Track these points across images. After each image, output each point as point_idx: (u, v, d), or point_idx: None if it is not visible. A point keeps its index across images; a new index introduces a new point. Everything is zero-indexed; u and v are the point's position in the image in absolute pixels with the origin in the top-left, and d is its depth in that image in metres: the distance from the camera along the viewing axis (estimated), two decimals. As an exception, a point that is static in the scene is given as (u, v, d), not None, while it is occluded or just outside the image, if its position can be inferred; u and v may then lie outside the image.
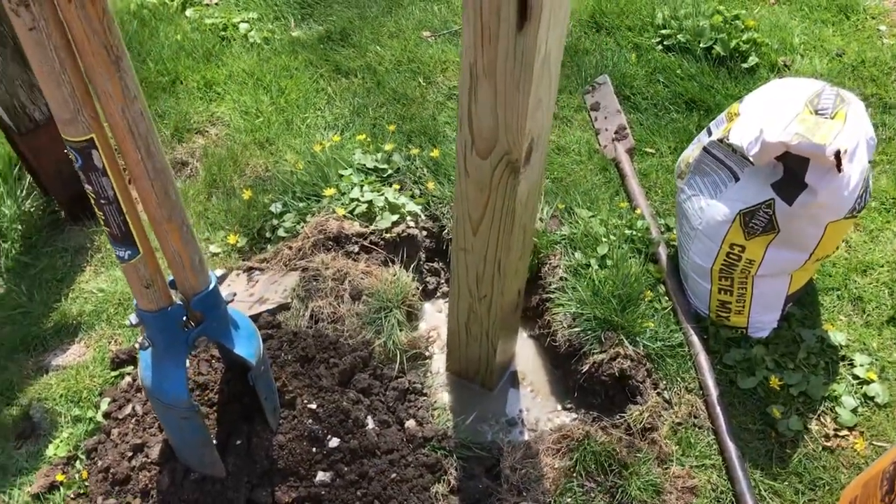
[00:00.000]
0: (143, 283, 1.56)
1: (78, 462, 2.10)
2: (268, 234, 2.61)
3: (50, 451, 2.13)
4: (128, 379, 2.24)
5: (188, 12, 3.53)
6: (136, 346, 1.70)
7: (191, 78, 3.19)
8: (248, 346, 1.82)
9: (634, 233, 2.53)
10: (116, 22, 1.22)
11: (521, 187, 1.71)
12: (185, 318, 1.69)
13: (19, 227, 2.65)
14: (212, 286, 1.69)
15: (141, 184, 1.43)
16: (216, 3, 3.60)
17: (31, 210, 2.72)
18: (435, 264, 2.68)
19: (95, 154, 1.34)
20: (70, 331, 2.42)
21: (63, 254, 2.62)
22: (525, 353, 2.51)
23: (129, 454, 2.02)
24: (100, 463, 2.05)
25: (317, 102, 3.11)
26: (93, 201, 1.43)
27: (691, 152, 2.32)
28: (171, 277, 1.66)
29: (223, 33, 3.40)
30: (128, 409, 2.14)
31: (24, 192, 2.72)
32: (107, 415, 2.16)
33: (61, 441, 2.15)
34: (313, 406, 2.07)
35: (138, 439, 2.03)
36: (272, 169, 2.82)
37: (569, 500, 2.01)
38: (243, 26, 3.42)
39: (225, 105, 3.10)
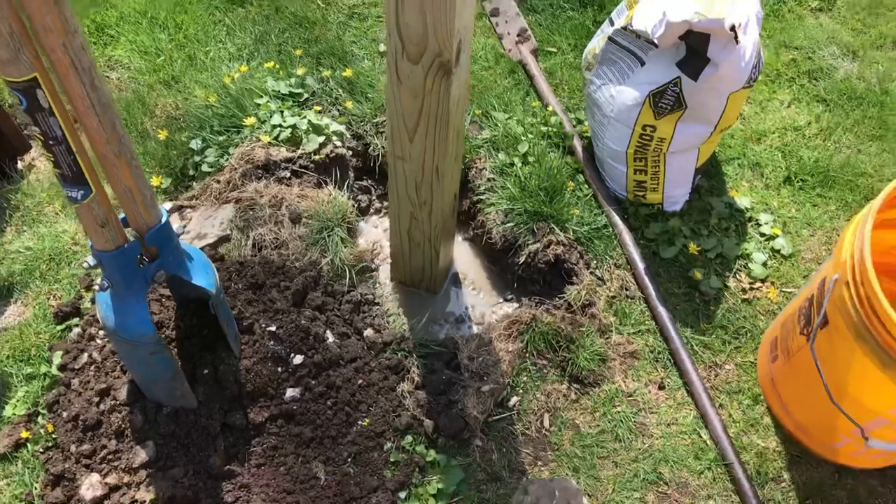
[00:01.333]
0: (98, 222, 1.56)
1: (40, 417, 2.09)
2: (191, 172, 2.60)
3: (7, 411, 2.12)
4: (77, 330, 2.23)
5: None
6: (96, 288, 1.71)
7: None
8: (205, 276, 1.86)
9: (550, 129, 2.65)
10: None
11: (453, 89, 1.78)
12: (140, 255, 1.71)
13: (-75, 196, 2.54)
14: (164, 220, 1.71)
15: (88, 121, 1.42)
16: (90, -58, 3.42)
17: (-66, 177, 2.60)
18: (364, 182, 2.74)
19: (41, 93, 1.33)
20: (3, 293, 2.37)
21: (-22, 218, 2.53)
22: (463, 255, 2.62)
23: (96, 399, 2.03)
24: (65, 414, 2.05)
25: (217, 35, 3.05)
26: (41, 143, 1.41)
27: (596, 44, 2.44)
28: (122, 215, 1.67)
29: (105, -28, 3.26)
30: (84, 358, 2.14)
31: (-77, 159, 2.59)
32: (62, 367, 2.15)
33: (18, 400, 2.13)
34: (272, 328, 2.13)
35: (103, 384, 2.05)
36: (183, 106, 2.78)
37: (525, 378, 2.17)
38: (125, -37, 3.28)
39: (121, 48, 3.00)
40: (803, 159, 2.65)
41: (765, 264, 2.41)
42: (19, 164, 2.70)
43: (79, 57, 1.32)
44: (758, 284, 2.38)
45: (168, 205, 1.84)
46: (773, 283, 2.38)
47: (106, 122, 1.44)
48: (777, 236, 2.46)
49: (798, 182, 2.61)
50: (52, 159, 1.44)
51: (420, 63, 1.73)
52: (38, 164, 2.71)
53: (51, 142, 1.40)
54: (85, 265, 1.69)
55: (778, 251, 2.44)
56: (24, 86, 1.31)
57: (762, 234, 2.48)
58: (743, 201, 2.54)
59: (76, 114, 1.42)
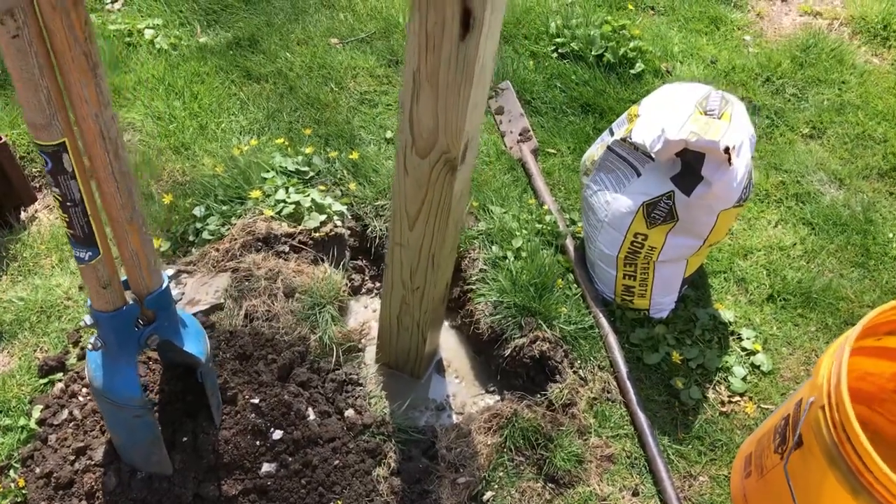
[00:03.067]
0: (102, 283, 1.60)
1: (12, 471, 2.08)
2: (191, 238, 2.64)
3: (-21, 462, 2.10)
4: (60, 385, 2.23)
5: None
6: (88, 346, 1.73)
7: (97, 83, 3.15)
8: (197, 344, 1.88)
9: (544, 227, 2.73)
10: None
11: (456, 184, 1.85)
12: (136, 318, 1.74)
13: (-75, 237, 2.57)
14: (165, 285, 1.75)
15: (106, 186, 1.48)
16: (119, 10, 3.56)
17: (-63, 220, 2.63)
18: (359, 262, 2.79)
19: (66, 157, 1.39)
20: (-10, 341, 2.38)
21: (-25, 264, 2.56)
22: (449, 343, 2.66)
23: (72, 457, 2.02)
24: (38, 469, 2.04)
25: (230, 108, 3.15)
26: (58, 204, 1.46)
27: (595, 151, 2.54)
28: (123, 277, 1.71)
29: (128, 39, 3.37)
30: (64, 415, 2.14)
31: (-72, 202, 2.63)
32: (41, 422, 2.14)
33: (-8, 452, 2.12)
34: (255, 401, 2.14)
35: (80, 442, 2.04)
36: (190, 173, 2.85)
37: (501, 473, 2.18)
38: (149, 32, 3.41)
39: (136, 111, 3.09)
40: (787, 279, 2.73)
41: (744, 379, 2.46)
42: (23, 215, 2.74)
43: (108, 127, 1.39)
44: (736, 398, 2.42)
45: (170, 270, 1.87)
46: (751, 398, 2.42)
47: (123, 189, 1.50)
48: (757, 352, 2.52)
49: (781, 301, 2.68)
50: (67, 220, 1.49)
51: (427, 158, 1.80)
52: (40, 216, 2.75)
53: (68, 203, 1.45)
54: (82, 323, 1.72)
55: (758, 367, 2.49)
56: (52, 149, 1.37)
57: (743, 349, 2.53)
58: (727, 314, 2.60)
59: (96, 179, 1.48)
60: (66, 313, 2.44)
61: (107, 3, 3.60)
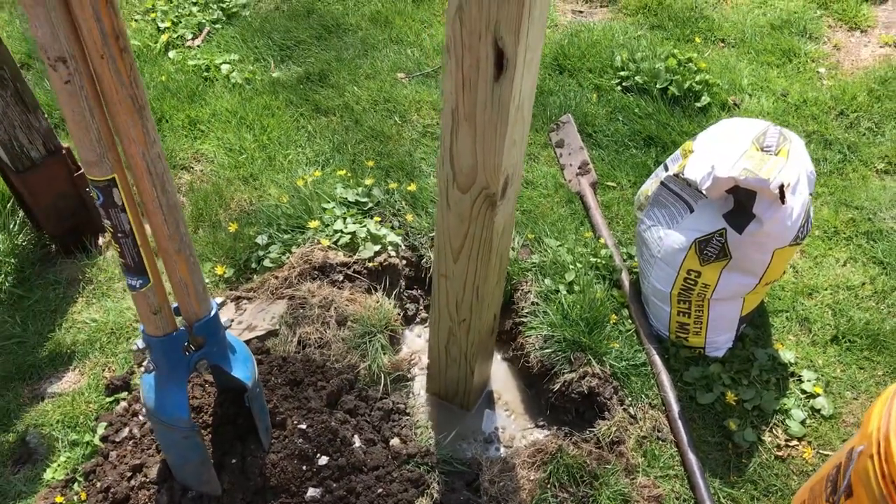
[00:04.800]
0: (152, 309, 1.69)
1: (76, 484, 2.19)
2: (254, 265, 2.75)
3: (48, 475, 2.23)
4: (123, 404, 2.35)
5: (171, 54, 3.68)
6: (142, 369, 1.82)
7: (175, 117, 3.33)
8: (244, 369, 1.96)
9: (599, 261, 2.72)
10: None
11: (497, 218, 1.88)
12: (186, 343, 1.83)
13: (13, 260, 2.75)
14: (213, 312, 1.83)
15: (155, 219, 1.57)
16: (198, 46, 3.75)
17: (24, 244, 2.82)
18: (414, 291, 2.84)
19: (116, 192, 1.49)
20: (64, 359, 2.52)
21: (55, 286, 2.72)
22: (500, 375, 2.66)
23: (129, 474, 2.12)
24: (98, 484, 2.15)
25: (298, 140, 3.27)
26: (110, 235, 1.56)
27: (650, 186, 2.52)
28: (175, 304, 1.80)
29: (206, 74, 3.55)
30: (125, 433, 2.25)
31: (17, 227, 2.83)
32: (104, 438, 2.26)
33: (59, 465, 2.24)
34: (303, 426, 2.20)
35: (137, 460, 2.14)
36: (256, 203, 2.97)
37: (544, 509, 2.16)
38: (225, 67, 3.58)
39: (209, 142, 3.24)
40: (853, 319, 2.63)
41: (803, 422, 2.37)
42: (100, 241, 2.91)
43: (154, 164, 1.48)
44: (794, 442, 2.33)
45: (220, 298, 1.96)
46: (809, 443, 2.33)
47: (171, 221, 1.58)
48: (818, 395, 2.42)
49: (846, 342, 2.58)
50: (119, 250, 1.58)
51: (468, 193, 1.84)
52: (117, 241, 2.91)
53: (119, 234, 1.55)
54: (135, 347, 1.82)
55: (818, 410, 2.40)
56: (103, 184, 1.46)
57: (803, 391, 2.44)
58: (787, 355, 2.52)
59: (145, 211, 1.57)
60: (134, 335, 2.56)
61: (188, 40, 3.80)
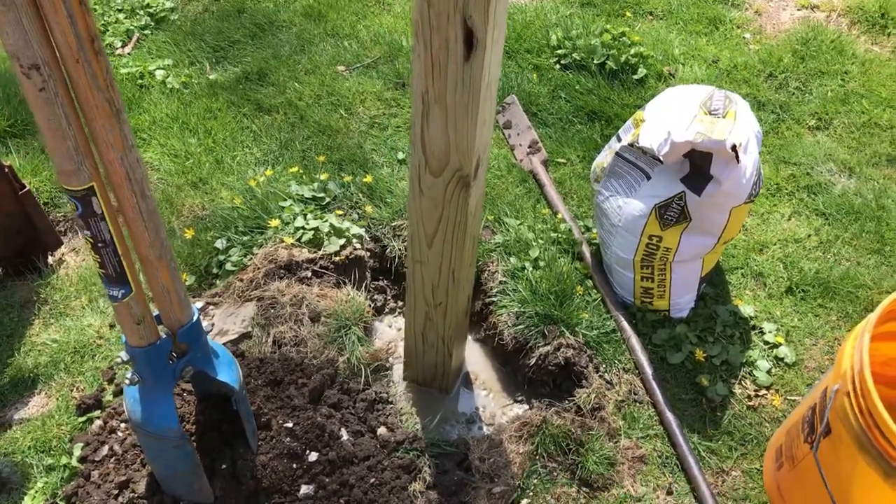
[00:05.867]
0: (135, 319, 1.65)
1: (58, 509, 2.13)
2: (215, 270, 2.70)
3: (26, 502, 2.15)
4: (98, 423, 2.28)
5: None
6: (125, 382, 1.78)
7: (114, 127, 3.24)
8: (229, 373, 1.93)
9: (559, 235, 2.77)
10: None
11: (471, 200, 1.90)
12: (170, 351, 1.79)
13: (-41, 287, 2.64)
14: (195, 318, 1.81)
15: (135, 226, 1.54)
16: (129, 53, 3.65)
17: (-31, 270, 2.71)
18: (380, 282, 2.84)
19: (95, 200, 1.45)
20: (28, 384, 2.43)
21: (9, 310, 2.62)
22: (474, 356, 2.69)
23: (115, 492, 2.07)
24: (83, 506, 2.09)
25: (244, 140, 3.22)
26: (90, 246, 1.52)
27: (604, 158, 2.58)
28: (155, 313, 1.76)
29: (140, 81, 3.46)
30: (104, 450, 2.19)
31: (-40, 252, 2.71)
32: (83, 459, 2.19)
33: (37, 491, 2.17)
34: (289, 425, 2.18)
35: (122, 476, 2.09)
36: (210, 207, 2.92)
37: (535, 480, 2.20)
38: (160, 73, 3.50)
39: (152, 150, 3.17)
40: (804, 270, 2.75)
41: (769, 372, 2.48)
42: (50, 259, 2.81)
43: (133, 169, 1.45)
44: (762, 392, 2.44)
45: (199, 303, 1.93)
46: (777, 391, 2.44)
47: (151, 227, 1.55)
48: (780, 345, 2.53)
49: (800, 292, 2.70)
50: (99, 260, 1.54)
51: (441, 177, 1.85)
52: (67, 259, 2.82)
53: (99, 244, 1.51)
54: (118, 360, 1.77)
55: (781, 359, 2.51)
56: (81, 194, 1.42)
57: (766, 343, 2.55)
58: (747, 309, 2.62)
59: (125, 219, 1.54)
60: (98, 352, 2.49)
61: (117, 48, 3.70)
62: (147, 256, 1.61)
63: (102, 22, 3.80)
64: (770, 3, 4.09)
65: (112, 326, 2.55)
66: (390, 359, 2.56)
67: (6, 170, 2.53)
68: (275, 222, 2.71)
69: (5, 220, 2.58)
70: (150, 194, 1.52)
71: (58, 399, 2.38)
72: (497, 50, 1.65)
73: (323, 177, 2.95)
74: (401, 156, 3.14)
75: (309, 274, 2.59)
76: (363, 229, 2.80)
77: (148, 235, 1.56)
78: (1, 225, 2.58)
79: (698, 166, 2.23)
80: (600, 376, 2.44)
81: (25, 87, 1.27)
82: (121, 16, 3.82)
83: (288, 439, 2.15)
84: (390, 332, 2.74)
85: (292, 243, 2.65)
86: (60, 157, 1.36)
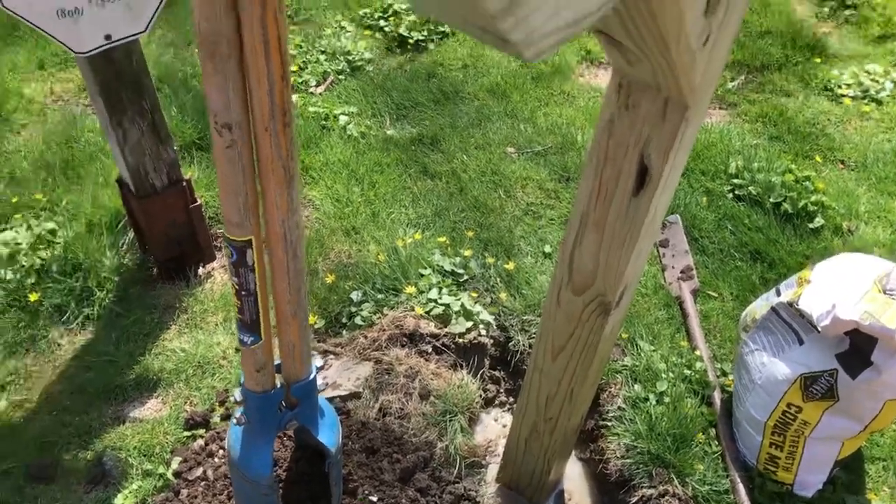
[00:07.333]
0: (257, 367, 1.71)
1: (144, 516, 2.21)
2: (344, 320, 2.76)
3: (118, 500, 2.24)
4: (200, 441, 2.36)
5: (294, 97, 3.80)
6: (234, 420, 1.83)
7: (289, 160, 3.42)
8: (330, 436, 1.95)
9: (692, 373, 2.64)
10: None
11: (608, 326, 1.84)
12: (280, 401, 1.83)
13: (116, 279, 2.84)
14: (312, 377, 1.84)
15: (280, 283, 1.59)
16: (320, 93, 3.86)
17: (129, 264, 2.91)
18: (497, 373, 2.80)
19: (249, 252, 1.51)
20: (150, 385, 2.56)
21: (152, 310, 2.79)
22: (574, 474, 2.59)
23: (197, 517, 2.13)
24: (165, 520, 2.16)
25: (402, 199, 3.31)
26: (234, 292, 1.59)
27: (758, 308, 2.44)
28: (277, 362, 1.81)
29: (324, 122, 3.65)
30: (198, 472, 2.26)
31: (126, 247, 2.92)
32: (177, 474, 2.28)
33: (130, 492, 2.26)
34: (374, 498, 2.17)
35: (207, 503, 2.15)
36: (355, 256, 3.00)
37: None
38: (343, 118, 3.67)
39: (318, 190, 3.31)
40: (958, 481, 2.47)
41: (892, 585, 2.23)
42: (201, 271, 2.97)
43: (291, 232, 1.50)
44: None
45: (318, 360, 1.97)
46: None
47: (294, 286, 1.60)
48: (912, 558, 2.28)
49: (947, 504, 2.43)
50: (238, 306, 1.61)
51: (582, 297, 1.81)
52: (216, 274, 2.98)
53: (243, 293, 1.57)
54: (232, 399, 1.83)
55: (910, 575, 2.25)
56: (239, 245, 1.49)
57: (896, 551, 2.30)
58: (881, 507, 2.39)
59: (272, 274, 1.59)
60: (219, 371, 2.60)
61: (311, 86, 3.92)
62: (283, 311, 1.66)
63: (304, 59, 4.06)
64: (978, 176, 3.79)
65: (237, 351, 2.65)
66: (488, 457, 2.50)
67: (184, 183, 2.71)
68: (410, 289, 2.74)
69: (172, 228, 2.76)
70: (302, 255, 1.57)
71: (171, 408, 2.49)
72: (669, 191, 1.61)
73: (467, 253, 2.97)
74: (548, 249, 3.12)
75: (430, 349, 2.59)
76: (493, 316, 2.78)
77: (290, 293, 1.61)
78: (167, 232, 2.76)
79: (859, 347, 2.07)
80: (701, 536, 2.28)
81: (215, 141, 1.35)
82: (322, 57, 4.06)
83: (369, 512, 2.14)
84: (495, 426, 2.68)
85: (421, 314, 2.66)
86: (229, 208, 1.44)
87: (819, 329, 2.10)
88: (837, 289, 2.15)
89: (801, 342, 2.24)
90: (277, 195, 1.43)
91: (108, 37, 2.19)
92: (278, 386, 1.80)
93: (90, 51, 2.18)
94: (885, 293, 2.13)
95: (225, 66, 1.24)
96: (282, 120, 1.31)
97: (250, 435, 1.84)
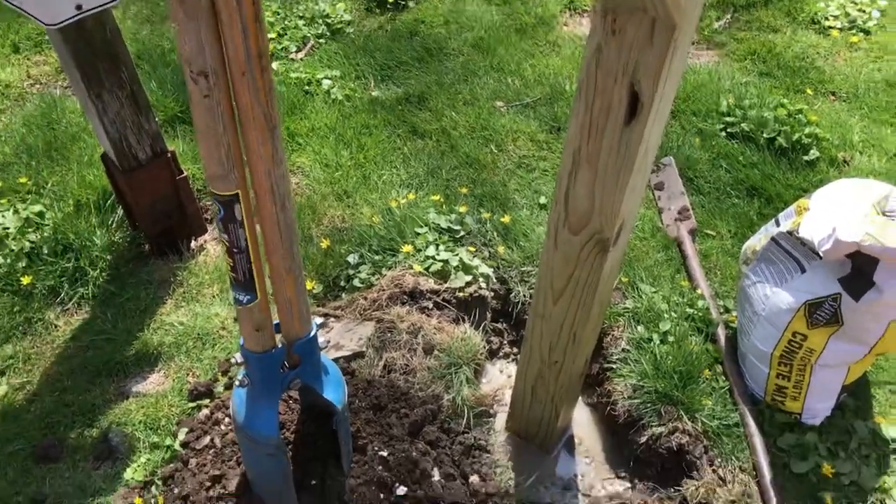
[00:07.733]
0: (255, 326, 1.68)
1: (154, 487, 2.19)
2: (342, 283, 2.74)
3: (127, 474, 2.24)
4: (205, 411, 2.35)
5: (274, 65, 3.74)
6: (236, 383, 1.81)
7: (275, 128, 3.37)
8: (336, 393, 1.93)
9: (695, 312, 2.62)
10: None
11: (606, 264, 1.82)
12: (282, 361, 1.81)
13: (108, 257, 2.80)
14: (313, 333, 1.82)
15: (271, 237, 1.56)
16: (301, 59, 3.80)
17: (120, 241, 2.87)
18: (499, 325, 2.79)
19: (238, 208, 1.48)
20: (150, 360, 2.55)
21: (147, 286, 2.76)
22: (582, 419, 2.59)
23: (208, 484, 2.12)
24: (176, 490, 2.15)
25: (393, 161, 3.27)
26: (225, 250, 1.56)
27: (757, 241, 2.42)
28: (276, 321, 1.79)
29: (307, 88, 3.59)
30: (206, 440, 2.25)
31: (115, 224, 2.88)
32: (184, 444, 2.26)
33: (139, 465, 2.25)
34: (384, 453, 2.16)
35: (217, 471, 2.14)
36: (349, 220, 2.97)
37: (623, 568, 2.08)
38: (326, 82, 3.62)
39: (306, 156, 3.27)
40: (966, 400, 2.47)
41: (906, 505, 2.23)
42: (193, 244, 2.94)
43: (278, 184, 1.47)
44: (894, 526, 2.20)
45: (319, 319, 1.95)
46: (912, 529, 2.19)
47: (286, 240, 1.57)
48: (924, 477, 2.28)
49: (956, 423, 2.43)
50: (231, 265, 1.58)
51: (579, 235, 1.78)
52: (208, 247, 2.95)
53: (234, 250, 1.55)
54: (233, 360, 1.81)
55: (923, 494, 2.26)
56: (226, 199, 1.46)
57: (907, 472, 2.30)
58: (890, 431, 2.38)
59: (262, 229, 1.56)
60: (219, 342, 2.58)
61: (291, 52, 3.86)
62: (277, 268, 1.63)
63: (283, 26, 3.99)
64: (971, 99, 3.75)
65: (236, 320, 2.63)
66: (495, 406, 2.50)
67: (169, 155, 2.67)
68: (407, 248, 2.72)
69: (159, 201, 2.73)
70: (291, 207, 1.54)
71: (174, 380, 2.47)
72: (660, 120, 1.58)
73: (462, 209, 2.94)
74: (543, 200, 3.09)
75: (430, 305, 2.57)
76: (492, 269, 2.76)
77: (282, 248, 1.58)
78: (154, 206, 2.72)
79: (861, 269, 2.05)
80: (713, 470, 2.28)
81: (192, 91, 1.31)
82: (300, 22, 3.99)
83: (380, 468, 2.13)
84: (500, 377, 2.68)
85: (420, 271, 2.64)
86: (212, 161, 1.40)
87: (821, 254, 2.08)
88: (836, 213, 2.13)
89: (802, 270, 2.22)
90: (260, 144, 1.39)
91: (78, 7, 2.13)
92: (279, 346, 1.78)
93: (61, 22, 2.12)
94: (884, 215, 2.11)
95: (196, 10, 1.20)
96: (258, 64, 1.28)
97: (254, 397, 1.82)
